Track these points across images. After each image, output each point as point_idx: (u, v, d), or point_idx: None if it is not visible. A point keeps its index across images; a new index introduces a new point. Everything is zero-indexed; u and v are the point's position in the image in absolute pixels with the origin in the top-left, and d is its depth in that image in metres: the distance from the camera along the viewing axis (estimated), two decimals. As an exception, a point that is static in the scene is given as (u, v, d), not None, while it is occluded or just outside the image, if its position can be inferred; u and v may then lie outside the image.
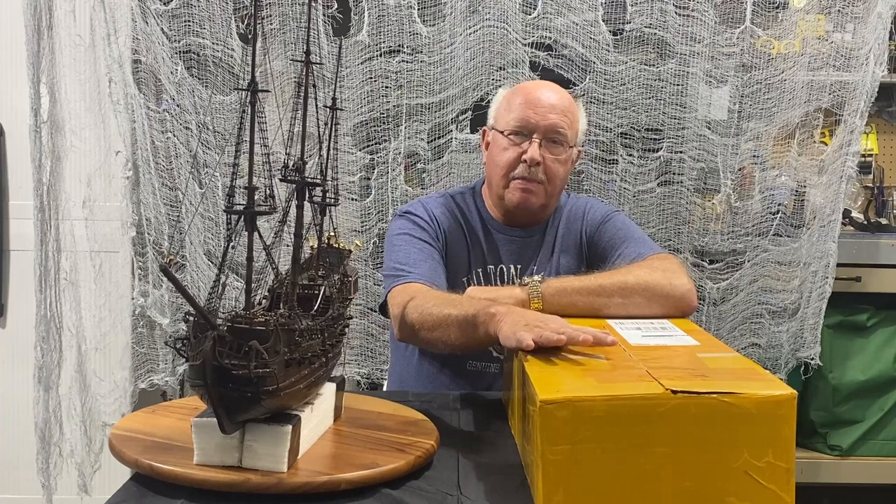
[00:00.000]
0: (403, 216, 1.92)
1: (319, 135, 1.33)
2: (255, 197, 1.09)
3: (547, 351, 1.30)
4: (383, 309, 1.81)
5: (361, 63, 2.41)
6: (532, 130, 1.83)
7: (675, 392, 1.03)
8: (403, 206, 1.99)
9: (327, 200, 1.31)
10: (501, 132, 1.87)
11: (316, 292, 1.27)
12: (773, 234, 2.50)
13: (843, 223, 2.59)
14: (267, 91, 1.14)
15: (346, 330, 1.38)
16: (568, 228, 1.97)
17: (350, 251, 1.45)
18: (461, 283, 1.87)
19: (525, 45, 2.40)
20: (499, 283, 1.91)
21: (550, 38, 2.40)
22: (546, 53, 2.40)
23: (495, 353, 1.83)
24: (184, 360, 1.10)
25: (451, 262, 1.90)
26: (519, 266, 1.92)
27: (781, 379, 2.39)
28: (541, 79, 2.38)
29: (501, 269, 1.92)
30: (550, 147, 1.84)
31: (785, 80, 2.43)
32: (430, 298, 1.66)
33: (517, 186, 1.85)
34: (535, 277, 1.67)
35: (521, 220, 1.93)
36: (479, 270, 1.91)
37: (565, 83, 2.40)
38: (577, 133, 1.91)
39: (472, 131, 2.43)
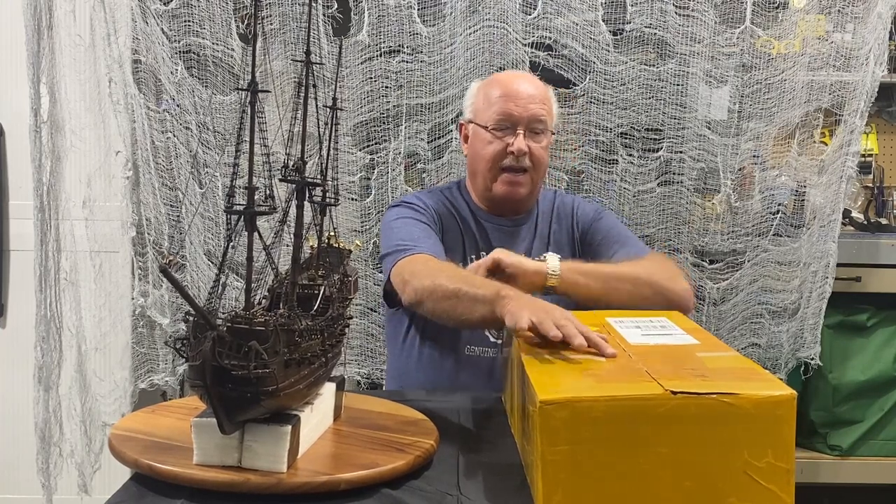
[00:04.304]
0: (399, 205, 1.97)
1: (319, 135, 1.33)
2: (255, 197, 1.09)
3: (546, 349, 1.30)
4: (388, 296, 1.82)
5: (361, 63, 2.40)
6: (516, 123, 1.89)
7: (674, 393, 1.03)
8: (397, 199, 2.05)
9: (327, 200, 1.31)
10: (484, 127, 1.91)
11: (316, 292, 1.27)
12: (773, 234, 2.50)
13: (843, 223, 2.59)
14: (267, 91, 1.14)
15: (346, 330, 1.38)
16: (560, 224, 2.02)
17: (350, 251, 1.45)
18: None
19: (525, 45, 2.39)
20: None
21: (550, 38, 2.40)
22: (546, 53, 2.40)
23: (493, 339, 1.88)
24: (184, 360, 1.10)
25: (448, 249, 1.93)
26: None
27: (781, 379, 2.39)
28: (541, 79, 2.38)
29: None
30: (533, 136, 1.90)
31: (785, 80, 2.43)
32: (445, 269, 1.70)
33: (506, 179, 1.91)
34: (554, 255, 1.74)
35: (508, 209, 1.99)
36: (474, 257, 1.95)
37: (565, 83, 2.41)
38: (553, 118, 1.98)
39: (472, 131, 2.43)
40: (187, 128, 2.42)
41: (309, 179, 1.23)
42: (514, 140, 1.87)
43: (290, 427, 1.13)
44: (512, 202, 1.95)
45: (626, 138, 2.45)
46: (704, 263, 2.51)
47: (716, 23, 2.39)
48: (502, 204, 1.96)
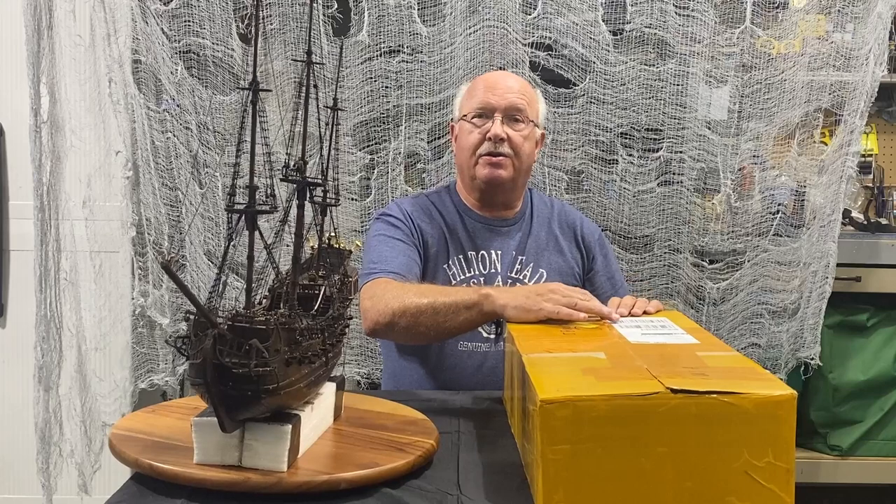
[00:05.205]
0: (378, 218, 1.99)
1: (320, 135, 1.33)
2: (256, 196, 1.09)
3: (546, 349, 1.30)
4: None
5: (361, 63, 2.41)
6: (493, 110, 1.93)
7: (674, 391, 1.03)
8: (380, 210, 2.06)
9: (328, 200, 1.31)
10: (465, 118, 1.96)
11: (316, 292, 1.27)
12: (773, 234, 2.50)
13: (843, 223, 2.59)
14: (268, 91, 1.14)
15: (347, 330, 1.38)
16: (563, 233, 2.05)
17: (350, 251, 1.45)
18: (442, 269, 1.95)
19: (525, 45, 2.39)
20: (480, 267, 1.97)
21: (550, 38, 2.40)
22: (546, 53, 2.40)
23: (485, 334, 1.91)
24: (184, 358, 1.10)
25: (431, 253, 1.96)
26: (500, 251, 1.99)
27: (781, 379, 2.39)
28: (541, 79, 2.40)
29: (482, 254, 1.98)
30: (512, 124, 1.94)
31: (785, 80, 2.43)
32: (409, 289, 1.73)
33: (485, 162, 1.94)
34: None
35: (495, 201, 2.00)
36: (460, 256, 1.97)
37: (565, 83, 2.41)
38: (537, 112, 2.01)
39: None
40: (187, 128, 2.42)
41: (310, 179, 1.23)
42: (491, 126, 1.91)
43: (290, 426, 1.13)
44: (495, 185, 1.96)
45: (626, 138, 2.45)
46: (704, 263, 2.51)
47: (716, 23, 2.39)
48: (487, 190, 1.97)
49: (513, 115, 1.93)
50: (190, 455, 1.13)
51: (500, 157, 1.92)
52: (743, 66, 2.43)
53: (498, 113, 1.92)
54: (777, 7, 2.41)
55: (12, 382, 2.71)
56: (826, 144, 2.51)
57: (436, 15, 2.39)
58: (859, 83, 2.40)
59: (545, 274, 1.98)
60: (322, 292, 1.27)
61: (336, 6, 2.37)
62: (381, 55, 2.40)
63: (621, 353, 1.27)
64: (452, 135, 2.07)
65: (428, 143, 2.45)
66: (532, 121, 1.97)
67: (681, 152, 2.45)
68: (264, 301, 1.25)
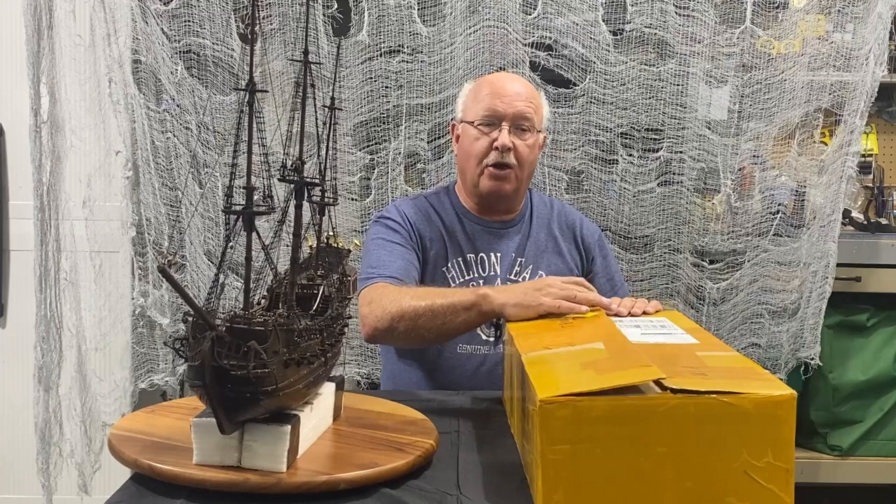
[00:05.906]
0: (377, 221, 1.99)
1: (318, 135, 1.33)
2: (254, 197, 1.09)
3: (545, 345, 1.30)
4: None
5: (361, 63, 2.41)
6: (501, 118, 1.91)
7: (674, 391, 1.03)
8: (379, 212, 2.05)
9: (326, 200, 1.31)
10: (471, 123, 1.94)
11: (315, 292, 1.27)
12: (773, 234, 2.50)
13: (843, 223, 2.59)
14: (265, 91, 1.14)
15: (346, 329, 1.38)
16: (563, 235, 2.05)
17: (349, 250, 1.45)
18: (441, 273, 1.94)
19: (525, 45, 2.39)
20: (480, 270, 1.97)
21: (550, 38, 2.40)
22: (546, 53, 2.40)
23: (484, 336, 1.90)
24: (183, 360, 1.10)
25: (431, 256, 1.95)
26: (499, 254, 1.98)
27: (781, 379, 2.39)
28: (541, 79, 2.40)
29: (482, 257, 1.98)
30: (519, 133, 1.92)
31: (785, 80, 2.43)
32: (406, 292, 1.72)
33: (490, 174, 1.93)
34: None
35: (496, 208, 2.00)
36: (459, 259, 1.96)
37: (565, 83, 2.41)
38: (541, 118, 2.00)
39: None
40: (187, 128, 2.42)
41: (307, 179, 1.23)
42: (499, 135, 1.90)
43: (289, 427, 1.12)
44: (498, 197, 1.96)
45: (626, 138, 2.45)
46: (704, 263, 2.51)
47: (716, 23, 2.39)
48: (490, 200, 1.97)
49: (520, 125, 1.92)
50: (189, 455, 1.13)
51: (506, 170, 1.91)
52: (743, 66, 2.43)
53: (506, 122, 1.91)
54: (777, 7, 2.41)
55: (12, 382, 2.71)
56: (826, 144, 2.51)
57: (436, 15, 2.39)
58: (859, 83, 2.40)
59: (544, 276, 1.97)
60: (321, 292, 1.27)
61: (336, 6, 2.37)
62: (381, 55, 2.40)
63: (620, 344, 1.27)
64: (453, 134, 2.06)
65: (428, 143, 2.45)
66: (538, 129, 1.97)
67: (681, 152, 2.45)
68: (263, 301, 1.25)
